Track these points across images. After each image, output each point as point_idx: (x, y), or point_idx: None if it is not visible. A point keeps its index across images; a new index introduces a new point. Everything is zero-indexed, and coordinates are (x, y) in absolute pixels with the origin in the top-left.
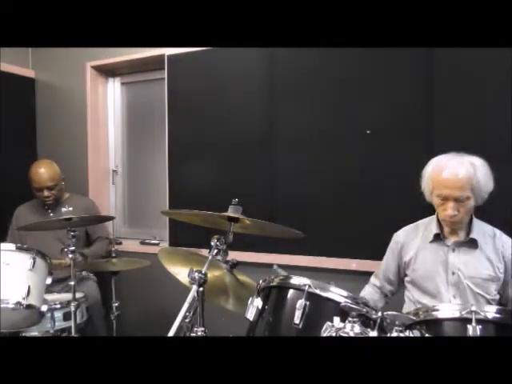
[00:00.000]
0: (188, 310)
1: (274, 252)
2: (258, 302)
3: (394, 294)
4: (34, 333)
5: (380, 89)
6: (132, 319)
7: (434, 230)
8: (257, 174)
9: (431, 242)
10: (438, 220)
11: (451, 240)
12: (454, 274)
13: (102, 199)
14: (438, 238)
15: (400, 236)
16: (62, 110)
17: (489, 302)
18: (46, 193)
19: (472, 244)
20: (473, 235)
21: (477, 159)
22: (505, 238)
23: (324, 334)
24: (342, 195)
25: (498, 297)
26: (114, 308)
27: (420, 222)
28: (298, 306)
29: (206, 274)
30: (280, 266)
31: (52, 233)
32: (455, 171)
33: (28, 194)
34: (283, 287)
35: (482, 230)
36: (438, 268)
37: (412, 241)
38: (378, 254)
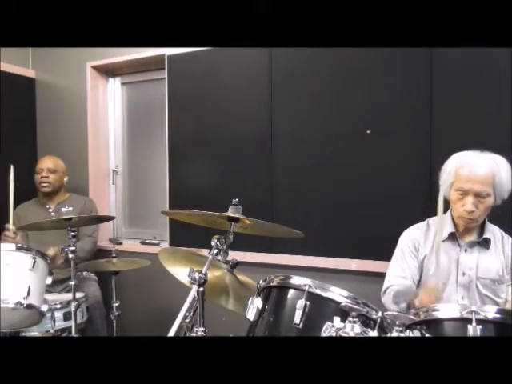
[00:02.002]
0: (188, 310)
1: (274, 252)
2: (258, 302)
3: None
4: (34, 333)
5: (380, 88)
6: (132, 319)
7: (449, 228)
8: (257, 174)
9: (444, 241)
10: (453, 219)
11: (464, 240)
12: (464, 274)
13: (102, 199)
14: (452, 237)
15: (414, 233)
16: (62, 110)
17: (496, 305)
18: (44, 173)
19: (485, 244)
20: (486, 235)
21: (500, 158)
22: (510, 239)
23: (324, 334)
24: (341, 195)
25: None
26: (115, 308)
27: (430, 220)
28: (298, 305)
29: (206, 274)
30: (280, 266)
31: (53, 232)
32: (479, 166)
33: (28, 193)
34: (283, 287)
35: (492, 231)
36: (450, 268)
37: (426, 239)
38: (378, 254)
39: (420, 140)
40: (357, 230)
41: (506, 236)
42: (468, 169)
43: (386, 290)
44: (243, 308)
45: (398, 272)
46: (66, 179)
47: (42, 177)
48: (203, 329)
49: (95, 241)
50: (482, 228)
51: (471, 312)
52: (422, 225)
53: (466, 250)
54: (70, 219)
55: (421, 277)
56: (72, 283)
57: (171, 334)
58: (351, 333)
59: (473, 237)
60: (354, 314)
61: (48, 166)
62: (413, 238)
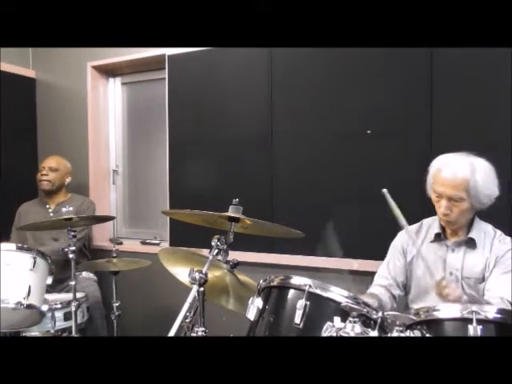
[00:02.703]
0: (188, 310)
1: (274, 252)
2: (258, 302)
3: (400, 297)
4: (34, 333)
5: (380, 88)
6: (132, 319)
7: (436, 229)
8: (257, 174)
9: (432, 241)
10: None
11: (451, 240)
12: (451, 274)
13: (102, 199)
14: (439, 237)
15: (406, 235)
16: (62, 109)
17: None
18: (45, 171)
19: (471, 244)
20: (471, 235)
21: (481, 161)
22: (503, 237)
23: (324, 334)
24: (342, 195)
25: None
26: (115, 308)
27: (425, 220)
28: (298, 305)
29: (206, 274)
30: (280, 266)
31: (48, 232)
32: (453, 170)
33: (29, 193)
34: (284, 287)
35: (482, 230)
36: (438, 268)
37: (416, 239)
38: (378, 254)
39: (420, 140)
40: (357, 229)
41: (498, 233)
42: (444, 172)
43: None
44: (243, 308)
45: (384, 272)
46: (68, 180)
47: (42, 174)
48: (203, 329)
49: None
50: (469, 227)
51: (472, 312)
52: (414, 226)
53: (453, 250)
54: (69, 219)
55: (408, 278)
56: (72, 283)
57: (171, 334)
58: (351, 333)
59: (460, 237)
60: (354, 314)
61: (50, 165)
62: (402, 239)
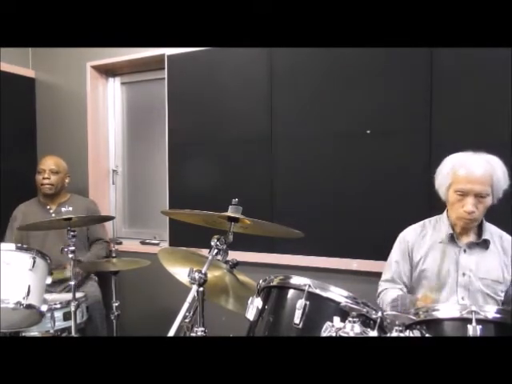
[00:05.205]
0: (188, 310)
1: (274, 252)
2: (258, 302)
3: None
4: (33, 333)
5: (380, 88)
6: (132, 319)
7: (447, 230)
8: (257, 174)
9: (441, 242)
10: (450, 220)
11: (463, 241)
12: (464, 275)
13: (102, 199)
14: (450, 238)
15: (409, 235)
16: (62, 109)
17: (497, 303)
18: (46, 174)
19: (484, 245)
20: (485, 236)
21: (494, 157)
22: (509, 238)
23: (324, 334)
24: (342, 195)
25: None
26: (114, 308)
27: (426, 220)
28: (298, 305)
29: (206, 274)
30: (280, 266)
31: (53, 234)
32: (477, 166)
33: (28, 193)
34: (283, 287)
35: (491, 231)
36: (449, 269)
37: (421, 240)
38: (378, 254)
39: (420, 140)
40: (357, 229)
41: (504, 235)
42: (466, 170)
43: (379, 294)
44: (243, 308)
45: (391, 276)
46: (67, 180)
47: (44, 178)
48: (203, 329)
49: (106, 246)
50: (480, 228)
51: (471, 312)
52: (417, 226)
53: (465, 251)
54: (69, 219)
55: (415, 278)
56: (72, 283)
57: (171, 333)
58: (351, 333)
59: (471, 237)
60: (353, 313)
61: (50, 167)
62: (406, 240)
